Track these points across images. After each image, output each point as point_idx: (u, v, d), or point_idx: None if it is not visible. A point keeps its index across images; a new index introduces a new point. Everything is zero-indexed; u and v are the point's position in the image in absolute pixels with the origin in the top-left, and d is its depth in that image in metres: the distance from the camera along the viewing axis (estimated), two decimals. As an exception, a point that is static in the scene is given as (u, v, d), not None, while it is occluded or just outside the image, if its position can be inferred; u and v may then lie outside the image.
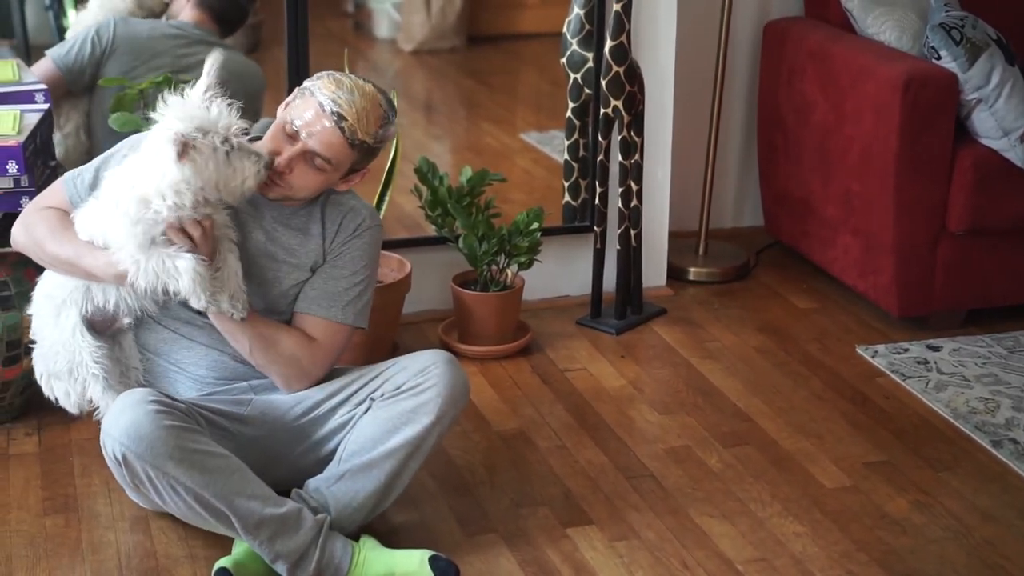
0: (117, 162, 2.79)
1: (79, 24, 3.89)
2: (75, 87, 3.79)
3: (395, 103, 2.87)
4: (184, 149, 2.57)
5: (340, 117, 2.71)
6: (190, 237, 2.65)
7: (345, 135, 2.72)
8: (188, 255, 2.65)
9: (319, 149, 2.72)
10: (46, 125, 3.41)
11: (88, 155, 3.80)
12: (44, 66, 3.75)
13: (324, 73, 2.79)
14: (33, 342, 2.93)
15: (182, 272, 2.64)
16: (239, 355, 2.86)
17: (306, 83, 2.79)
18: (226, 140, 2.62)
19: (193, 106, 2.63)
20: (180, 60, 3.82)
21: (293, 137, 2.73)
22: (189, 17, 3.93)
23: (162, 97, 2.65)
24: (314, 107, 2.72)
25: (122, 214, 2.63)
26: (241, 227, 2.81)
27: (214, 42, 3.91)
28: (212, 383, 2.89)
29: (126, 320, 2.87)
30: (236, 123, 2.65)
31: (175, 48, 3.85)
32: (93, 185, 2.79)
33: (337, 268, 2.87)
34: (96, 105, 3.79)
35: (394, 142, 3.68)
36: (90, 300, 2.83)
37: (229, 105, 2.66)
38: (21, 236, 2.84)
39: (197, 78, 3.22)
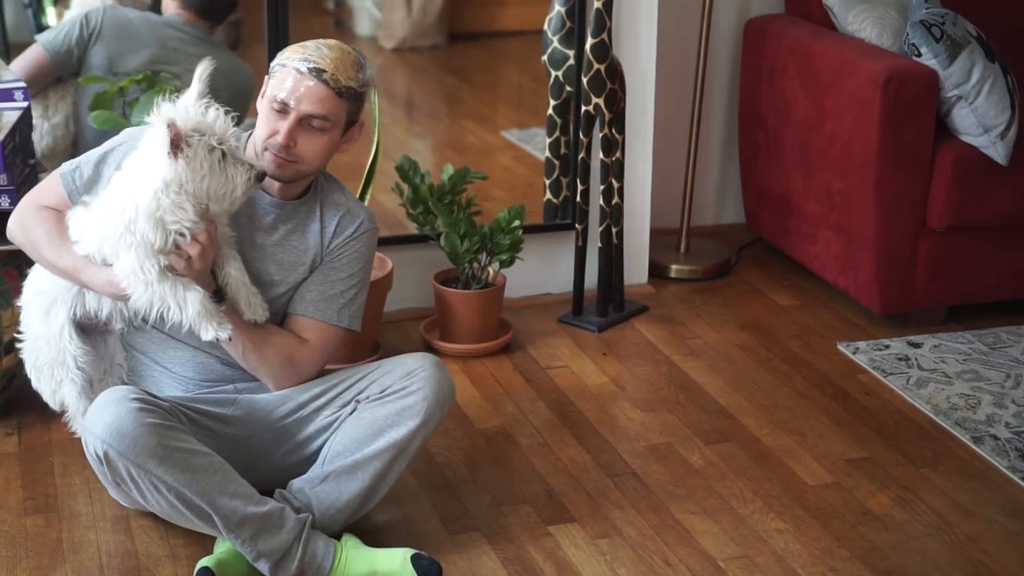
0: (117, 159, 2.76)
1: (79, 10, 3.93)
2: (64, 71, 3.79)
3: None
4: (177, 142, 2.56)
5: (319, 71, 2.72)
6: (189, 256, 2.64)
7: (331, 86, 2.72)
8: (197, 287, 2.66)
9: (312, 109, 2.72)
10: (25, 123, 3.39)
11: (74, 144, 3.80)
12: (34, 51, 3.79)
13: (286, 48, 2.81)
14: (16, 337, 2.93)
15: (189, 303, 2.65)
16: (227, 358, 2.85)
17: (273, 64, 2.80)
18: (221, 143, 2.62)
19: (189, 108, 2.62)
20: (166, 49, 3.82)
21: (283, 111, 2.73)
22: (175, 13, 3.93)
23: (156, 103, 2.64)
24: (291, 74, 2.73)
25: (129, 235, 2.60)
26: (239, 232, 2.80)
27: (202, 37, 3.91)
28: (198, 384, 2.89)
29: (118, 326, 2.86)
30: (231, 130, 2.65)
31: (161, 37, 3.85)
32: (93, 181, 2.76)
33: (334, 271, 2.87)
34: (83, 94, 3.79)
35: (375, 140, 3.68)
36: (81, 304, 2.82)
37: (225, 112, 2.66)
38: (18, 233, 2.82)
39: (182, 69, 3.16)
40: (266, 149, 2.74)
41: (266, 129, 2.74)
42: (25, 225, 2.79)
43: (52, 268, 2.79)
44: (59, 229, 2.74)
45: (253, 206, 2.82)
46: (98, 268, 2.70)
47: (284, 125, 2.72)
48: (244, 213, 2.80)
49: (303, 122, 2.73)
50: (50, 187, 2.81)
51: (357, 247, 2.89)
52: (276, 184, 2.81)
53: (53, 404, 2.94)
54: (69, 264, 2.73)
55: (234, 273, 2.75)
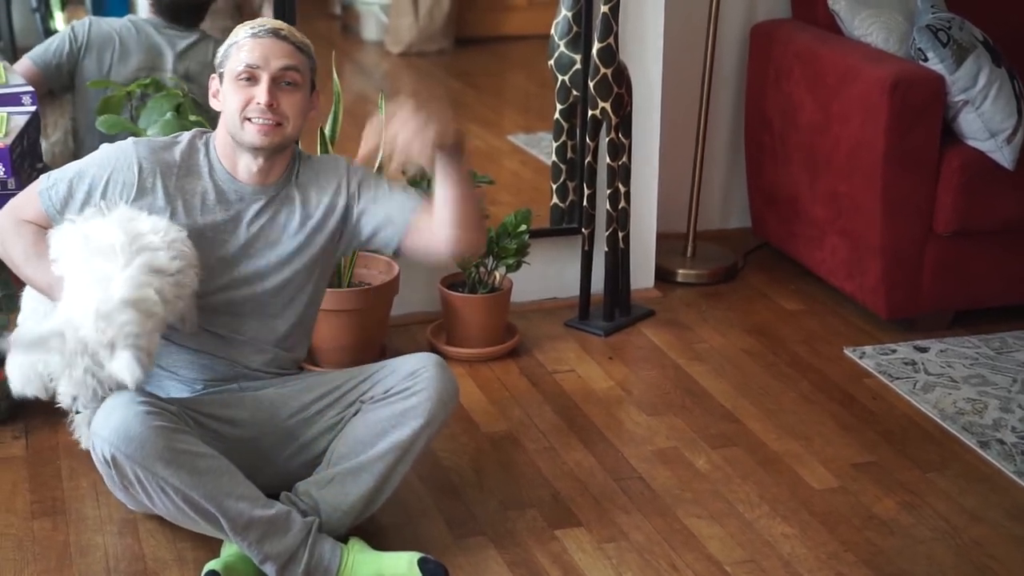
0: (89, 178, 2.77)
1: None
2: (55, 85, 3.79)
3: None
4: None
5: (274, 30, 2.76)
6: None
7: (290, 40, 2.76)
8: (128, 356, 2.60)
9: (284, 62, 2.74)
10: (33, 127, 3.40)
11: (74, 159, 3.79)
12: (23, 65, 3.77)
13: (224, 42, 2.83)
14: None
15: (127, 377, 2.64)
16: (229, 359, 2.87)
17: (220, 52, 2.81)
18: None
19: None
20: (152, 54, 3.82)
21: (253, 77, 2.74)
22: (150, 15, 3.93)
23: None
24: (247, 43, 2.75)
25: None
26: (224, 235, 2.81)
27: (181, 35, 3.90)
28: (203, 385, 2.89)
29: None
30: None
31: (146, 41, 3.84)
32: (67, 199, 2.76)
33: (371, 190, 2.88)
34: (80, 109, 3.79)
35: (381, 143, 3.67)
36: None
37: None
38: None
39: (171, 69, 3.12)
40: (247, 119, 2.73)
41: (238, 100, 2.74)
42: (5, 240, 2.80)
43: (29, 283, 2.81)
44: (37, 247, 2.74)
45: (238, 203, 2.82)
46: None
47: (260, 88, 2.73)
48: (226, 219, 2.81)
49: (277, 81, 2.74)
50: (30, 199, 2.80)
51: (359, 171, 2.90)
52: (252, 169, 2.80)
53: (19, 386, 2.87)
54: (44, 283, 2.73)
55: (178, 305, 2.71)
